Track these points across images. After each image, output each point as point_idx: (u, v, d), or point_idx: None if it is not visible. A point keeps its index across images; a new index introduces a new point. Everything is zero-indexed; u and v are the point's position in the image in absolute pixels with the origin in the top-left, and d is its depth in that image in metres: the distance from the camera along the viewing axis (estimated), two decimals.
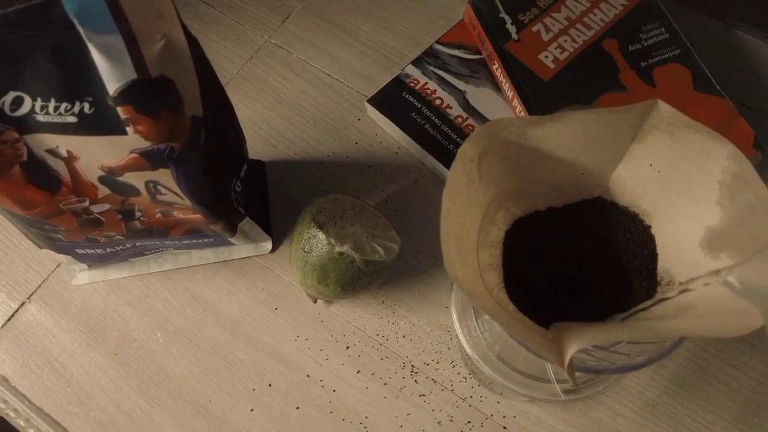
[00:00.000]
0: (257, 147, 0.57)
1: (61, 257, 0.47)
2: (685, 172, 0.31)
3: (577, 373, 0.27)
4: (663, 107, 0.30)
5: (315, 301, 0.49)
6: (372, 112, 0.57)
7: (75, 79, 0.32)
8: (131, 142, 0.35)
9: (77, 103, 0.33)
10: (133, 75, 0.32)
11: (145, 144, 0.36)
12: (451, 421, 0.47)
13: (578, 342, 0.24)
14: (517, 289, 0.31)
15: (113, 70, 0.32)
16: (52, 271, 0.52)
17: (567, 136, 0.30)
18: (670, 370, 0.47)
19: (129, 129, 0.34)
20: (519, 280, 0.31)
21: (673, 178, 0.31)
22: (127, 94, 0.33)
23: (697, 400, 0.46)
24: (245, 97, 0.59)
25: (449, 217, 0.27)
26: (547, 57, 0.54)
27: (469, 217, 0.29)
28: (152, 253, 0.50)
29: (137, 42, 0.31)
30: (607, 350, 0.29)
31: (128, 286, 0.52)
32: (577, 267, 0.34)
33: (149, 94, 0.33)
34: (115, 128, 0.34)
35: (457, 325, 0.38)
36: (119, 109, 0.33)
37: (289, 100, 0.59)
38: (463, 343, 0.38)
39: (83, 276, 0.51)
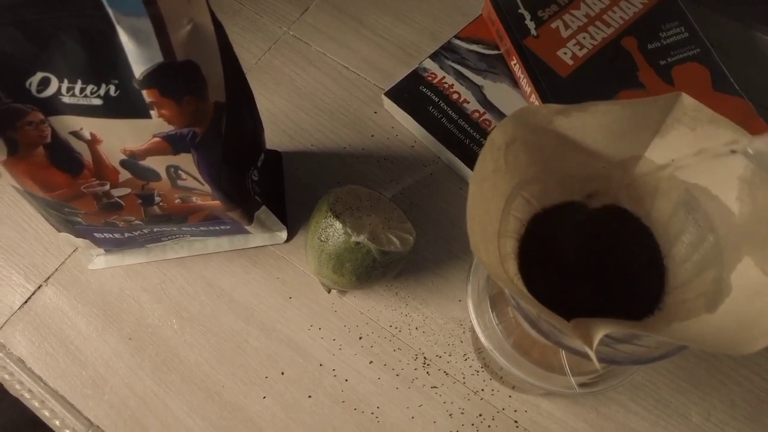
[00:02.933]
0: (274, 138, 0.57)
1: (79, 241, 0.48)
2: (707, 168, 0.31)
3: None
4: (686, 100, 0.30)
5: (329, 291, 0.50)
6: (389, 105, 0.57)
7: (102, 62, 0.33)
8: (155, 125, 0.36)
9: (103, 86, 0.34)
10: (159, 58, 0.32)
11: (168, 128, 0.36)
12: (462, 413, 0.47)
13: (606, 327, 0.24)
14: (533, 283, 0.31)
15: (140, 52, 0.32)
16: (69, 255, 0.53)
17: (592, 127, 0.30)
18: (683, 368, 0.47)
19: (153, 112, 0.35)
20: (535, 274, 0.31)
21: (694, 175, 0.31)
22: (152, 78, 0.33)
23: (710, 399, 0.46)
24: (263, 88, 0.60)
25: (475, 202, 0.27)
26: (565, 53, 0.54)
27: (493, 204, 0.29)
28: (169, 239, 0.50)
29: (165, 25, 0.32)
30: (630, 343, 0.29)
31: (144, 271, 0.52)
32: (590, 268, 0.34)
33: (175, 78, 0.34)
34: (140, 111, 0.35)
35: (473, 315, 0.38)
36: (144, 93, 0.34)
37: (306, 91, 0.59)
38: (479, 333, 0.38)
39: (100, 260, 0.52)
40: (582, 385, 0.37)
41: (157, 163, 0.39)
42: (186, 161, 0.39)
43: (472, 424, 0.46)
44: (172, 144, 0.37)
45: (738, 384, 0.47)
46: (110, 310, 0.51)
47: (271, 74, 0.60)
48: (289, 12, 0.64)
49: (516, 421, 0.46)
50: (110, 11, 0.30)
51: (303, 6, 0.64)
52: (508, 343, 0.38)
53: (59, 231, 0.46)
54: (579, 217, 0.34)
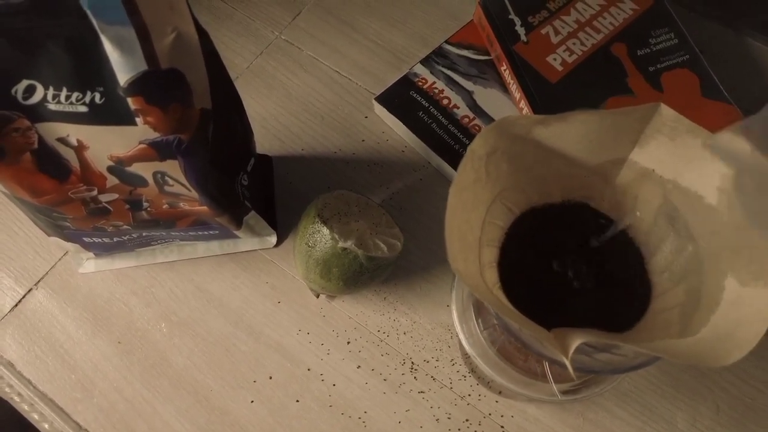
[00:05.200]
0: (265, 142, 0.57)
1: (69, 245, 0.48)
2: (686, 178, 0.31)
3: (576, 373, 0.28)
4: (665, 111, 0.30)
5: (317, 296, 0.50)
6: (379, 110, 0.57)
7: (87, 69, 0.33)
8: (140, 132, 0.36)
9: (88, 93, 0.34)
10: (144, 66, 0.33)
11: (154, 135, 0.36)
12: (449, 418, 0.47)
13: (582, 336, 0.25)
14: (514, 292, 0.31)
15: (125, 61, 0.32)
16: (60, 259, 0.53)
17: (571, 136, 0.30)
18: (669, 374, 0.47)
19: (138, 120, 0.35)
20: (516, 283, 0.32)
21: (674, 184, 0.32)
22: (137, 86, 0.33)
23: (695, 405, 0.47)
24: (254, 92, 0.60)
25: (455, 213, 0.27)
26: (555, 59, 0.55)
27: (474, 214, 0.29)
28: (158, 243, 0.50)
29: (149, 34, 0.32)
30: (608, 352, 0.29)
31: (134, 275, 0.52)
32: (571, 276, 0.34)
33: (159, 86, 0.34)
34: (125, 119, 0.35)
35: (457, 323, 0.39)
36: (129, 100, 0.34)
37: (297, 96, 0.60)
38: (463, 341, 0.38)
39: (90, 264, 0.52)
40: (565, 392, 0.37)
41: (143, 170, 0.39)
42: (172, 168, 0.39)
43: (459, 430, 0.47)
44: (159, 151, 0.37)
45: (724, 390, 0.47)
46: (100, 314, 0.51)
47: (263, 78, 0.61)
48: (282, 16, 0.64)
49: (502, 426, 0.47)
50: (94, 21, 0.31)
51: (295, 11, 0.64)
52: (492, 350, 0.38)
53: (49, 235, 0.47)
54: (559, 225, 0.34)
